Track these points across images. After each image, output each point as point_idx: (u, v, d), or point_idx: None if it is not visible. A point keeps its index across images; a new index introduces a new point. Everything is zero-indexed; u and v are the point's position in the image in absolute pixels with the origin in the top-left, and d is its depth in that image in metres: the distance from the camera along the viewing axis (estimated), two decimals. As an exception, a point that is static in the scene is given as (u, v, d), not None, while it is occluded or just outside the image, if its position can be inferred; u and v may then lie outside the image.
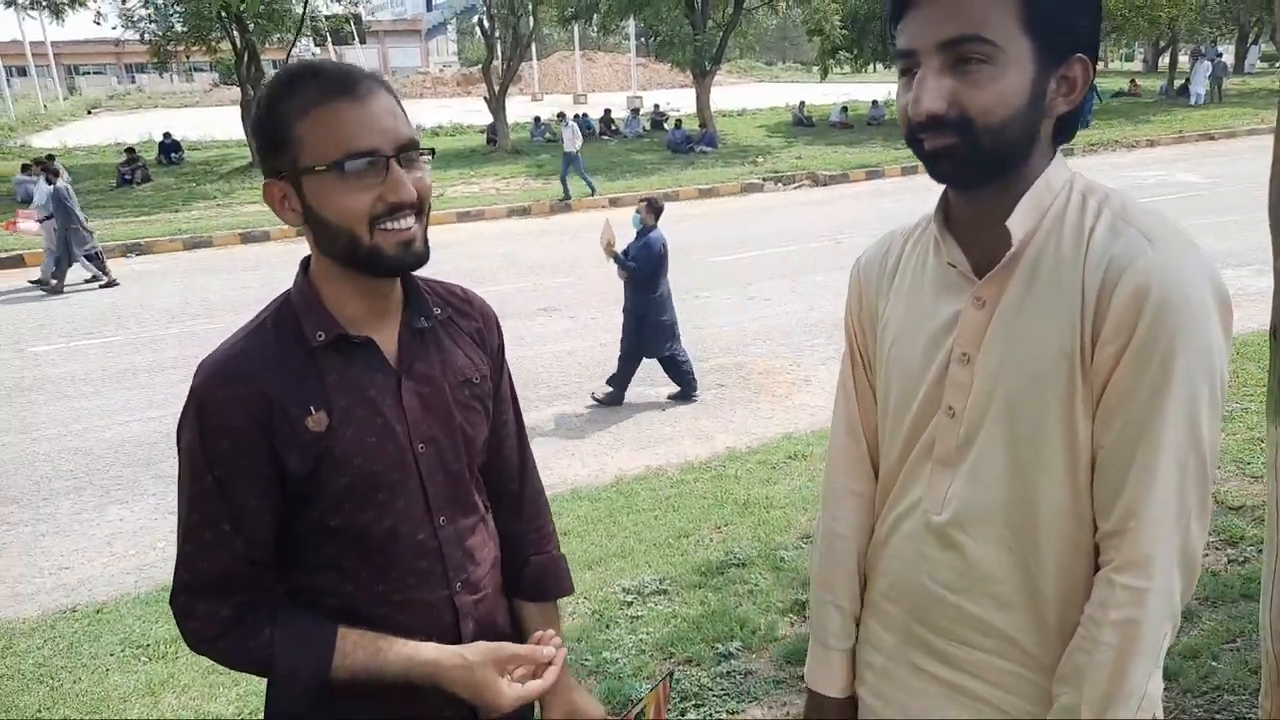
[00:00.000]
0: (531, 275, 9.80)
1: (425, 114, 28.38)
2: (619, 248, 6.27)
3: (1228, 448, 4.25)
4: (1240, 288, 6.69)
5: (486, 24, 21.16)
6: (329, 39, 22.02)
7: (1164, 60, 34.18)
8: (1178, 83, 27.14)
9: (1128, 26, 24.28)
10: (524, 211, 14.25)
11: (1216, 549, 3.38)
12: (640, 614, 3.38)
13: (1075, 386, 0.98)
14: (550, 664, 1.19)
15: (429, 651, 1.14)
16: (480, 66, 21.30)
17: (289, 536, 1.14)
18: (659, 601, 3.47)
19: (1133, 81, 28.33)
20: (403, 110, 1.13)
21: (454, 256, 11.07)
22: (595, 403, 6.12)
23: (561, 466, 5.19)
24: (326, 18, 20.89)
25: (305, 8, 18.53)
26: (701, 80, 21.10)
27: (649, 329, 6.02)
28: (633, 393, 6.23)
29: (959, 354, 1.06)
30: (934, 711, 1.14)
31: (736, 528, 4.08)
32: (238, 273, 10.80)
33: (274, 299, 1.18)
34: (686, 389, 6.18)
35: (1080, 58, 0.99)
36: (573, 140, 14.46)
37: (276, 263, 11.24)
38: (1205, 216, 10.44)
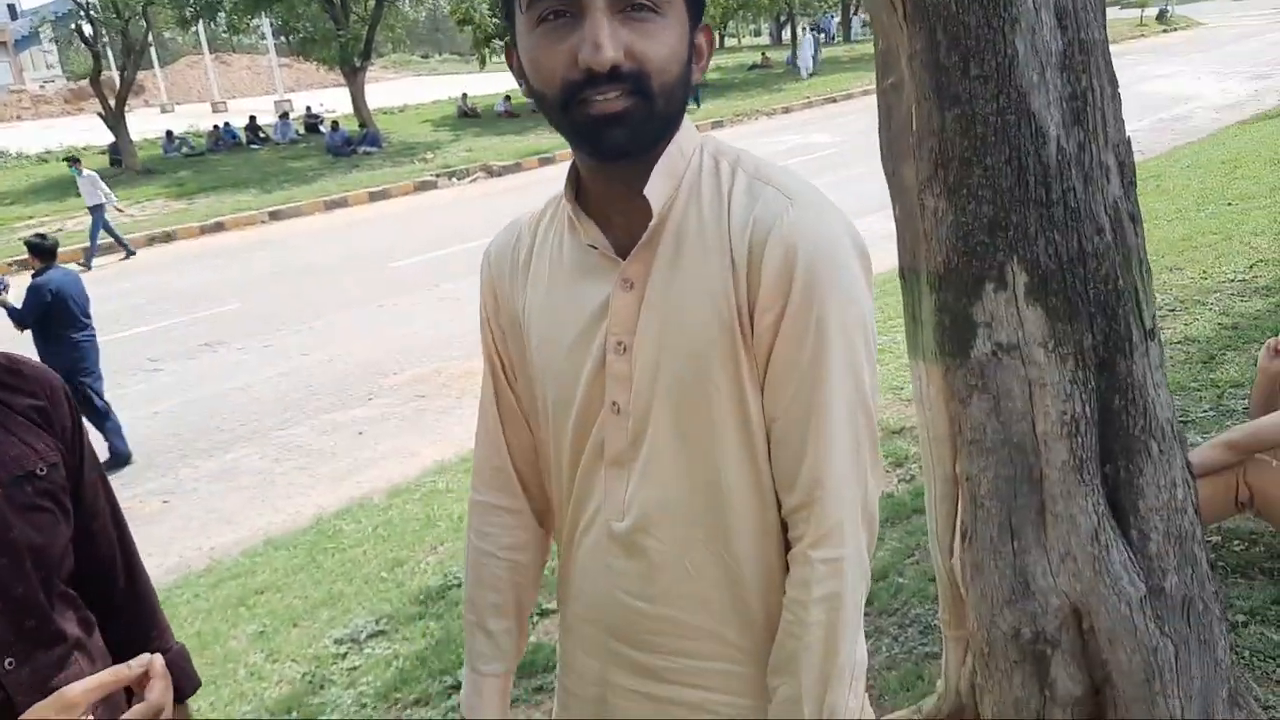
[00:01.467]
0: (187, 308, 8.75)
1: (28, 139, 24.50)
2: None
3: (883, 376, 4.73)
4: (874, 232, 7.73)
5: (89, 30, 18.58)
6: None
7: (786, 33, 38.08)
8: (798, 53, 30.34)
9: (751, 3, 26.69)
10: (167, 238, 12.73)
11: (887, 471, 3.73)
12: (358, 663, 3.08)
13: (739, 360, 0.93)
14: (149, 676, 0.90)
15: None
16: (89, 79, 18.66)
17: None
18: (378, 644, 3.18)
19: (763, 54, 31.22)
20: None
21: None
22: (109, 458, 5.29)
23: (252, 517, 4.66)
24: None
25: None
26: (354, 78, 20.11)
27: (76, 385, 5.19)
28: (323, 421, 5.76)
29: (614, 343, 0.97)
30: None
31: (453, 545, 3.87)
32: None
33: None
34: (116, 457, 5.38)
35: (706, 25, 0.94)
36: (93, 192, 11.70)
37: None
38: (840, 171, 11.69)
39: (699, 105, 18.11)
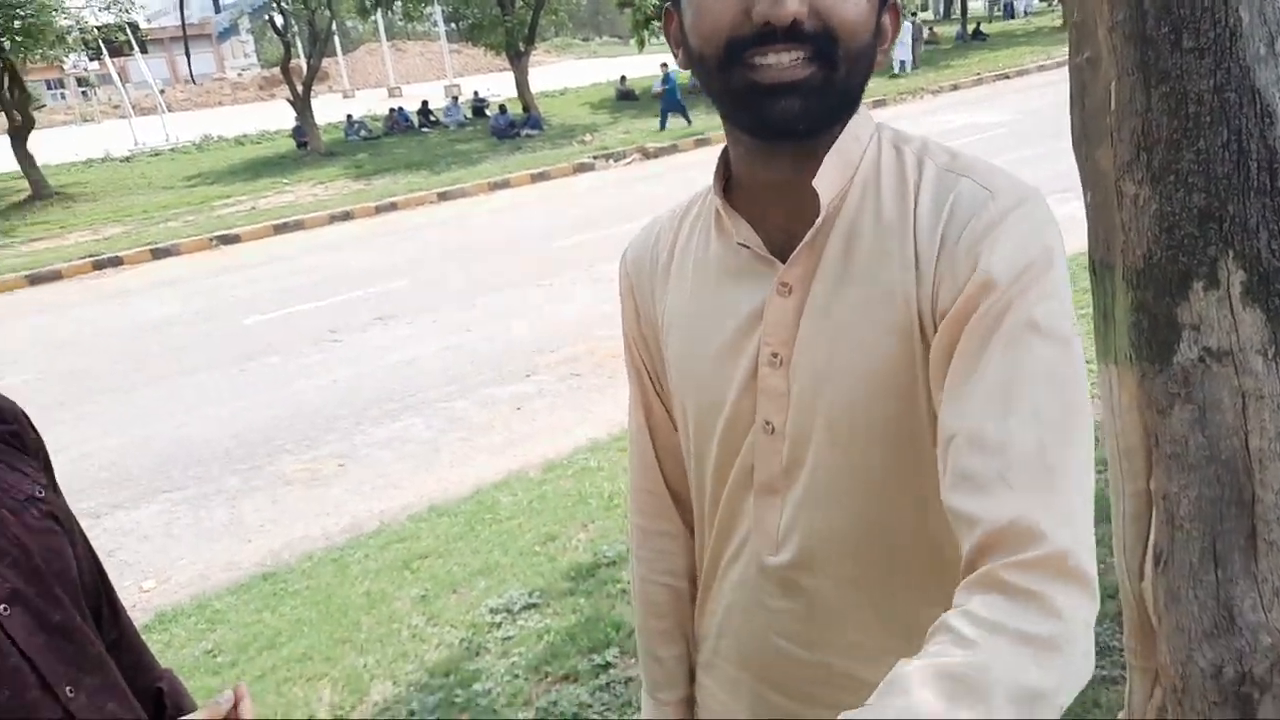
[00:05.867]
0: (362, 283, 9.28)
1: (226, 123, 26.65)
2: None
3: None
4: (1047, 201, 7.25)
5: (280, 21, 19.95)
6: (104, 51, 20.17)
7: (956, 7, 36.23)
8: (970, 27, 28.79)
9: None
10: (346, 216, 13.51)
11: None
12: (511, 634, 3.18)
13: (916, 375, 0.80)
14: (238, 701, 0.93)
15: None
16: (279, 67, 20.06)
17: None
18: (530, 616, 3.28)
19: (931, 29, 29.86)
20: None
21: (274, 273, 10.39)
22: None
23: (417, 483, 4.90)
24: (98, 29, 19.08)
25: (67, 20, 16.86)
26: (518, 62, 20.67)
27: None
28: (484, 395, 5.98)
29: (768, 355, 0.85)
30: None
31: (603, 523, 3.94)
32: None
33: None
34: None
35: (894, 2, 0.83)
36: None
37: (71, 302, 10.23)
38: (1011, 152, 11.05)
39: (689, 123, 17.53)
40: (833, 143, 0.82)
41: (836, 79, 0.77)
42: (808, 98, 0.76)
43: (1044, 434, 0.68)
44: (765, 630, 0.92)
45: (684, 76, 22.45)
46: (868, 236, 0.82)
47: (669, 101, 17.73)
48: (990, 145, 12.03)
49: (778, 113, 0.76)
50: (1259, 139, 1.27)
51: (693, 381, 0.93)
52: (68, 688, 0.88)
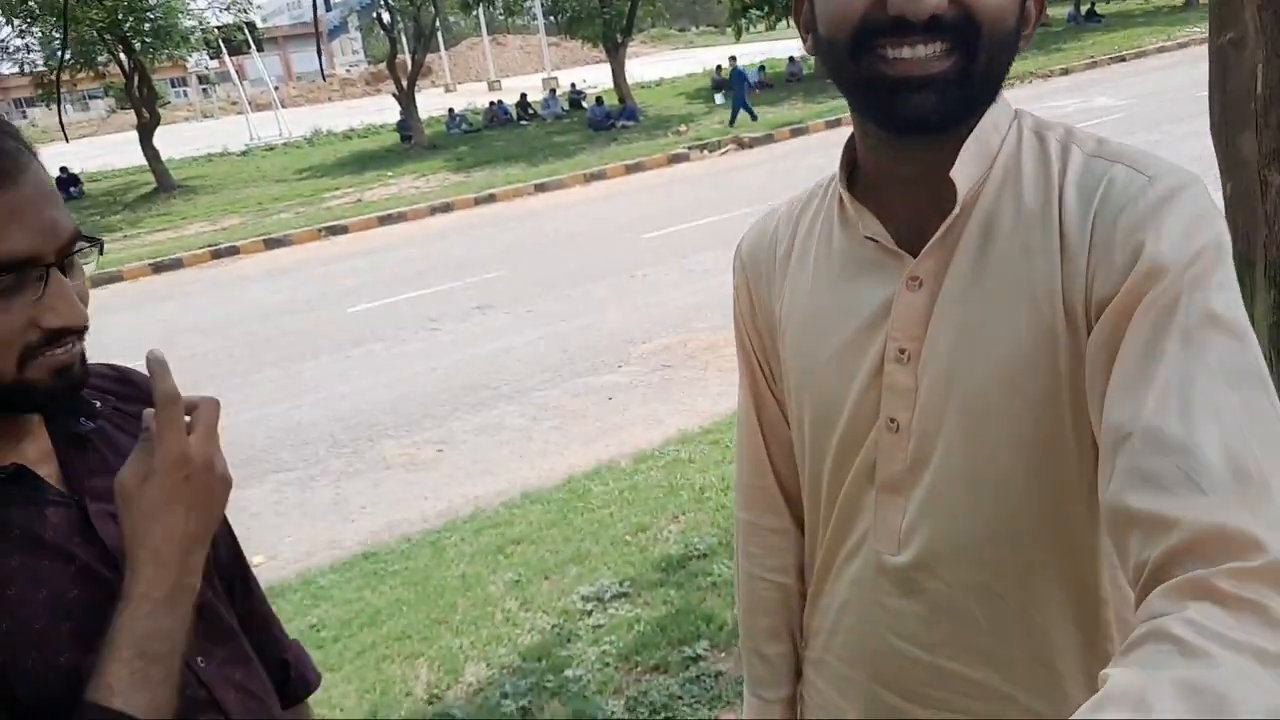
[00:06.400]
0: (461, 273, 9.51)
1: (334, 117, 27.65)
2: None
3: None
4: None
5: (386, 18, 20.54)
6: (224, 50, 21.19)
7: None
8: (1084, 7, 27.50)
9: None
10: (446, 208, 13.86)
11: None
12: (602, 622, 3.21)
13: (1058, 373, 0.76)
14: None
15: None
16: (385, 63, 20.67)
17: None
18: (621, 606, 3.30)
19: (1042, 9, 28.66)
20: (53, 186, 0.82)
21: (378, 263, 10.74)
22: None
23: (511, 470, 4.99)
24: (218, 28, 20.07)
25: (191, 21, 17.78)
26: (615, 54, 20.79)
27: None
28: (577, 384, 6.04)
29: (895, 351, 0.83)
30: None
31: (694, 515, 3.93)
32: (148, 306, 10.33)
33: None
34: None
35: None
36: None
37: (192, 290, 10.80)
38: (1130, 136, 10.45)
39: (754, 118, 17.01)
40: (969, 133, 0.78)
41: (976, 70, 0.73)
42: (944, 92, 0.72)
43: (1236, 435, 0.61)
44: (882, 629, 0.90)
45: (755, 64, 22.08)
46: (1007, 229, 0.78)
47: (738, 98, 17.51)
48: (1106, 131, 11.36)
49: (911, 108, 0.73)
50: None
51: (813, 376, 0.91)
52: (199, 658, 0.90)
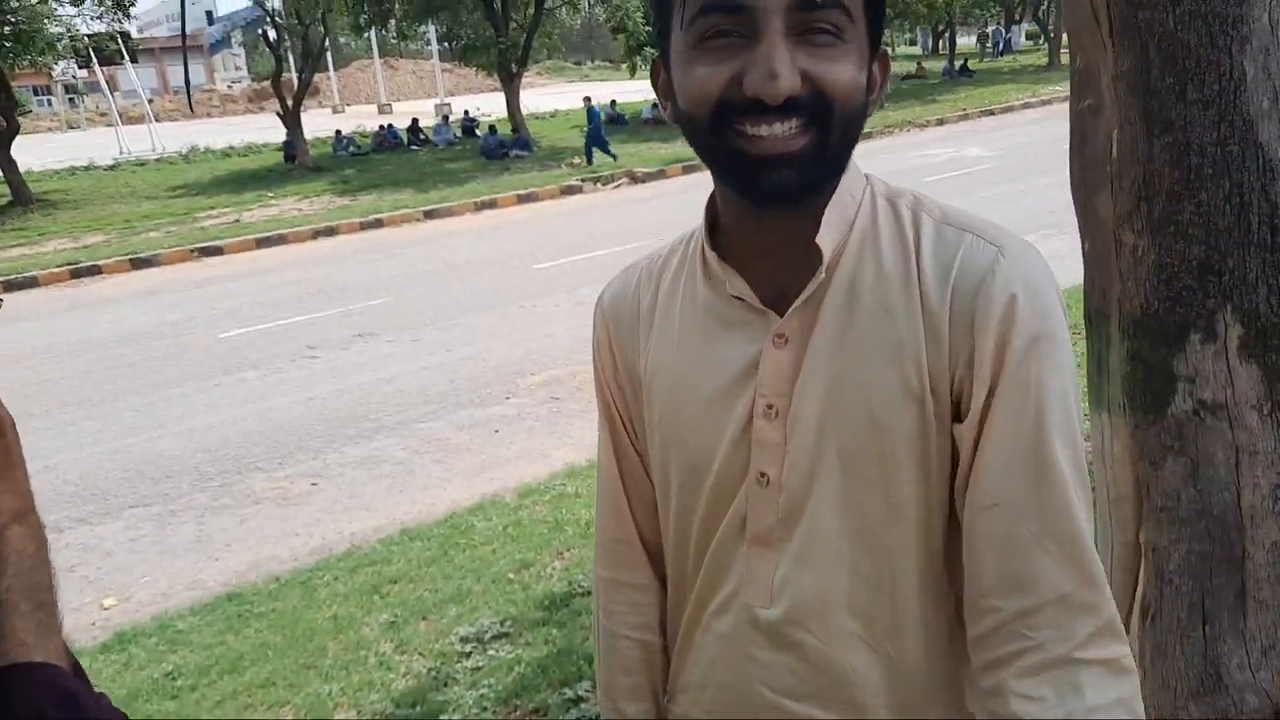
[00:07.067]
0: (343, 299, 9.20)
1: (213, 134, 26.55)
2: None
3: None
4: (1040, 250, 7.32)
5: (273, 35, 19.94)
6: (94, 59, 20.05)
7: (944, 42, 36.83)
8: (958, 63, 29.23)
9: (909, 12, 25.96)
10: (330, 232, 13.43)
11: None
12: (481, 664, 3.10)
13: (928, 436, 0.80)
14: None
15: None
16: (270, 80, 20.03)
17: None
18: (501, 646, 3.20)
19: (919, 64, 30.33)
20: None
21: (255, 287, 10.29)
22: None
23: (390, 505, 4.81)
24: (89, 36, 19.00)
25: (58, 28, 16.80)
26: (509, 83, 20.76)
27: None
28: (462, 416, 5.91)
29: (763, 407, 0.84)
30: None
31: (579, 552, 3.87)
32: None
33: None
34: None
35: (884, 52, 0.82)
36: None
37: (46, 311, 10.08)
38: (994, 188, 11.18)
39: (614, 158, 17.23)
40: (826, 201, 0.81)
41: (830, 144, 0.76)
42: (801, 167, 0.75)
43: (1075, 501, 0.77)
44: (754, 682, 0.90)
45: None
46: (869, 291, 0.81)
47: (592, 136, 17.27)
48: (975, 180, 12.15)
49: (772, 183, 0.76)
50: (1260, 193, 1.26)
51: (680, 434, 0.91)
52: None
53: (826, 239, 0.81)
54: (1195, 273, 1.30)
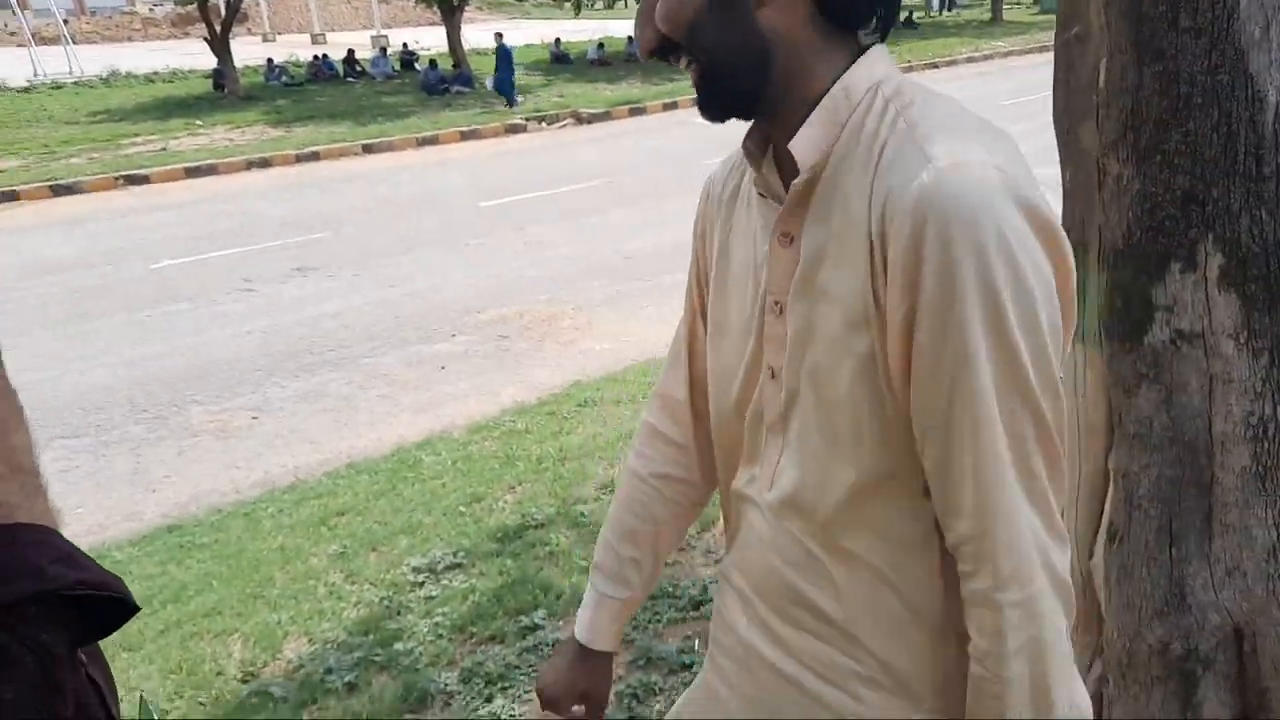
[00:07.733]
0: (280, 233, 8.91)
1: (136, 58, 25.19)
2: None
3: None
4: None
5: (201, -47, 18.86)
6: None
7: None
8: (902, 15, 29.26)
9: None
10: (264, 163, 12.92)
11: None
12: (434, 593, 3.10)
13: (875, 360, 0.81)
14: None
15: None
16: (196, 4, 18.99)
17: None
18: (454, 577, 3.20)
19: (911, 12, 30.32)
20: None
21: (186, 218, 9.90)
22: None
23: (335, 439, 4.73)
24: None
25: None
26: (451, 17, 20.11)
27: None
28: (408, 352, 5.81)
29: (771, 302, 0.88)
30: (774, 712, 0.97)
31: (531, 486, 3.86)
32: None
33: None
34: None
35: None
36: None
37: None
38: (937, 141, 11.25)
39: (511, 105, 16.33)
40: (799, 103, 0.83)
41: (712, 67, 0.84)
42: (705, 93, 0.86)
43: (999, 435, 0.77)
44: (764, 548, 0.97)
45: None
46: (840, 201, 0.82)
47: (501, 79, 16.51)
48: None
49: (701, 109, 0.88)
50: (1248, 123, 1.28)
51: (725, 318, 0.97)
52: None
53: (801, 144, 0.83)
54: (1179, 202, 1.32)
